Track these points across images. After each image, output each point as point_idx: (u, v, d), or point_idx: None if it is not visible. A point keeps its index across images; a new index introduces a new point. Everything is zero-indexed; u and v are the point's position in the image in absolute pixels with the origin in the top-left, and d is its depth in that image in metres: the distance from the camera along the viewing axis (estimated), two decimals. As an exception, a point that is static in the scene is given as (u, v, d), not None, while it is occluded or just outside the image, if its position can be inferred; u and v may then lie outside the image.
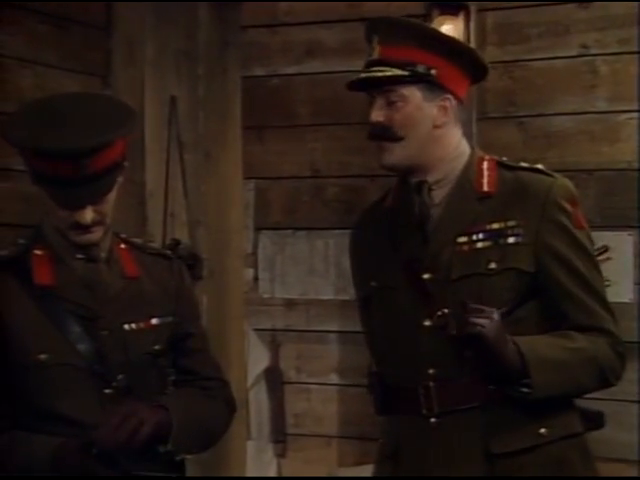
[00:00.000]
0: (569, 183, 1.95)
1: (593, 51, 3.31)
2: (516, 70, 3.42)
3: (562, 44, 3.35)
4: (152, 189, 3.07)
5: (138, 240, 2.02)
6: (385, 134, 1.91)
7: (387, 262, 1.95)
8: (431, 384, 1.87)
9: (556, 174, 1.95)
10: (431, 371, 1.88)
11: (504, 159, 1.98)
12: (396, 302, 1.92)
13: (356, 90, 1.98)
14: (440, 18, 3.37)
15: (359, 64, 3.76)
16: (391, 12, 3.55)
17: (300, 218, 3.67)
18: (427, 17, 3.39)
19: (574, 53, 3.33)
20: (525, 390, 1.82)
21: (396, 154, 1.92)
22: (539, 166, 1.96)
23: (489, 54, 3.45)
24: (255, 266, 3.71)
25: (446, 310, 1.84)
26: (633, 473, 3.18)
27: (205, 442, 1.96)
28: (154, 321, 1.93)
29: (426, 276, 1.88)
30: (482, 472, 1.86)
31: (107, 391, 1.85)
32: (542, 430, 1.87)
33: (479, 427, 1.86)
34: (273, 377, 3.68)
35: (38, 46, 2.96)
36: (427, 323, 1.87)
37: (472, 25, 3.38)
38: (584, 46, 3.32)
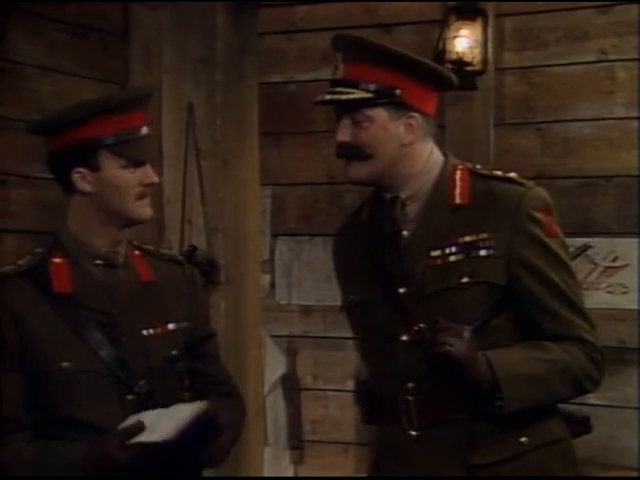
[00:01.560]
0: (542, 191, 1.93)
1: (611, 57, 3.30)
2: (534, 76, 3.41)
3: (580, 50, 3.34)
4: (170, 195, 3.08)
5: (150, 246, 2.04)
6: (352, 153, 1.91)
7: (364, 276, 1.95)
8: (410, 398, 1.88)
9: (529, 182, 1.93)
10: (410, 385, 1.88)
11: (478, 167, 1.97)
12: (374, 316, 1.92)
13: (324, 105, 1.98)
14: (457, 23, 3.36)
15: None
16: (407, 18, 3.56)
17: (317, 224, 3.68)
18: (444, 22, 3.38)
19: (592, 59, 3.32)
20: (498, 404, 1.83)
21: (363, 171, 1.92)
22: (512, 175, 1.95)
23: (507, 60, 3.45)
24: (272, 272, 3.72)
25: (422, 325, 1.85)
26: (635, 479, 3.17)
27: (232, 446, 1.95)
28: (171, 326, 1.94)
29: (401, 290, 1.89)
30: None
31: (129, 397, 1.85)
32: (522, 439, 1.87)
33: (459, 440, 1.86)
34: (290, 384, 3.68)
35: (57, 54, 2.98)
36: (404, 338, 1.88)
37: (490, 30, 3.38)
38: (602, 52, 3.31)
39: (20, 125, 2.73)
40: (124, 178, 1.86)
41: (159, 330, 1.92)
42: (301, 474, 3.70)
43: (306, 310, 3.67)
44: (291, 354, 3.68)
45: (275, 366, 3.63)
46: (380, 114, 1.90)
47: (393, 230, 1.92)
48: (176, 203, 3.07)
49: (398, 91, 1.89)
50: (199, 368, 1.99)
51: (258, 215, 3.33)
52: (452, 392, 1.85)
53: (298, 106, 3.66)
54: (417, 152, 1.93)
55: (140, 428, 1.75)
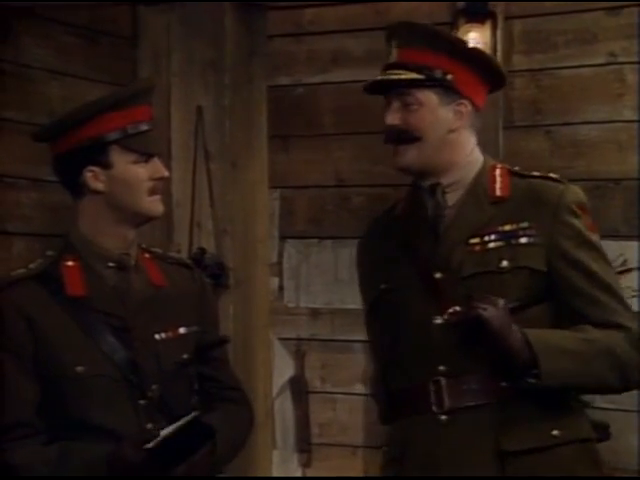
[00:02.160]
0: (580, 190, 1.97)
1: (621, 59, 3.28)
2: (543, 78, 3.40)
3: (590, 52, 3.33)
4: (178, 199, 3.08)
5: (158, 250, 2.04)
6: (401, 136, 1.93)
7: (398, 264, 1.96)
8: (442, 380, 1.87)
9: (567, 181, 1.97)
10: (442, 367, 1.88)
11: (516, 168, 2.00)
12: (406, 301, 1.93)
13: (373, 94, 2.00)
14: (467, 26, 3.36)
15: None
16: (417, 20, 3.55)
17: (325, 227, 3.67)
18: (453, 25, 3.38)
19: (602, 61, 3.31)
20: (533, 381, 1.82)
21: (411, 155, 1.93)
22: (552, 174, 1.98)
23: (516, 62, 3.44)
24: (280, 275, 3.71)
25: (457, 307, 1.85)
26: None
27: (232, 456, 1.97)
28: (182, 330, 1.94)
29: (437, 275, 1.90)
30: (493, 471, 1.85)
31: (142, 402, 1.85)
32: (555, 432, 1.86)
33: (490, 425, 1.85)
34: (298, 386, 3.67)
35: (66, 57, 2.99)
36: (438, 320, 1.88)
37: (499, 33, 3.37)
38: (612, 54, 3.30)
39: (29, 128, 2.73)
40: (135, 173, 1.87)
41: (171, 334, 1.92)
42: (309, 477, 3.69)
43: (314, 313, 3.67)
44: (299, 357, 3.68)
45: (283, 369, 3.63)
46: (430, 97, 1.92)
47: (433, 215, 1.94)
48: (185, 206, 3.07)
49: (450, 76, 1.92)
50: (208, 373, 1.99)
51: (266, 218, 3.33)
52: (485, 375, 1.85)
53: (307, 109, 3.66)
54: (463, 140, 1.95)
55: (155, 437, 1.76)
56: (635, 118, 3.26)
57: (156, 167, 1.89)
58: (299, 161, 3.68)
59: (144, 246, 1.99)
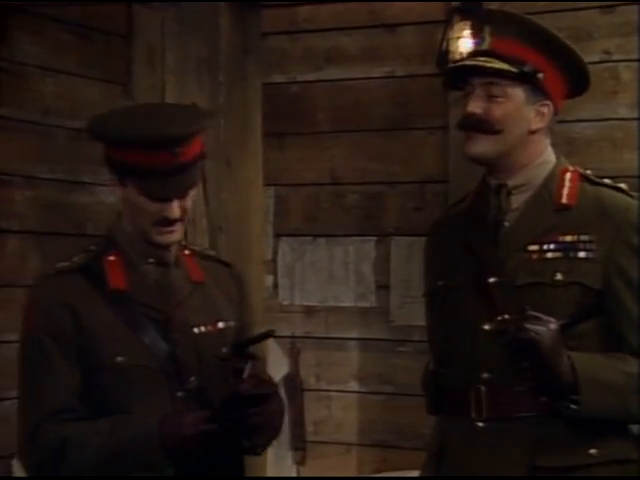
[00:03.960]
0: None
1: (615, 57, 3.28)
2: (537, 76, 3.40)
3: (584, 50, 3.25)
4: (173, 196, 3.08)
5: (197, 247, 2.06)
6: (481, 126, 1.88)
7: (456, 262, 1.94)
8: (483, 388, 1.86)
9: (637, 196, 1.92)
10: (485, 375, 1.86)
11: (588, 172, 1.96)
12: (459, 302, 1.91)
13: (449, 81, 1.94)
14: (461, 24, 3.35)
15: (379, 71, 3.76)
16: (411, 18, 3.55)
17: (320, 225, 3.67)
18: (448, 23, 3.37)
19: (596, 59, 3.31)
20: (573, 407, 1.80)
21: (486, 146, 1.88)
22: (622, 185, 1.93)
23: (510, 60, 3.43)
24: (275, 273, 3.71)
25: (507, 316, 1.82)
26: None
27: (268, 439, 1.96)
28: (220, 325, 1.96)
29: (492, 280, 1.87)
30: None
31: (179, 394, 1.87)
32: (592, 451, 1.84)
33: (526, 438, 1.84)
34: (292, 384, 3.67)
35: (60, 54, 2.98)
36: (486, 327, 1.85)
37: (493, 31, 3.37)
38: (606, 52, 3.30)
39: (23, 126, 2.73)
40: (141, 204, 1.86)
41: (210, 328, 1.94)
42: (304, 475, 3.69)
43: (309, 311, 3.67)
44: (294, 355, 3.68)
45: (278, 367, 3.62)
46: (518, 93, 1.88)
47: (495, 218, 1.90)
48: (179, 204, 3.06)
49: (541, 75, 1.87)
50: (244, 368, 1.98)
51: (261, 216, 3.32)
52: (526, 388, 1.82)
53: (301, 106, 3.66)
54: (538, 142, 1.91)
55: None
56: (629, 116, 3.27)
57: (166, 207, 1.85)
58: (294, 159, 3.68)
59: (184, 243, 2.01)
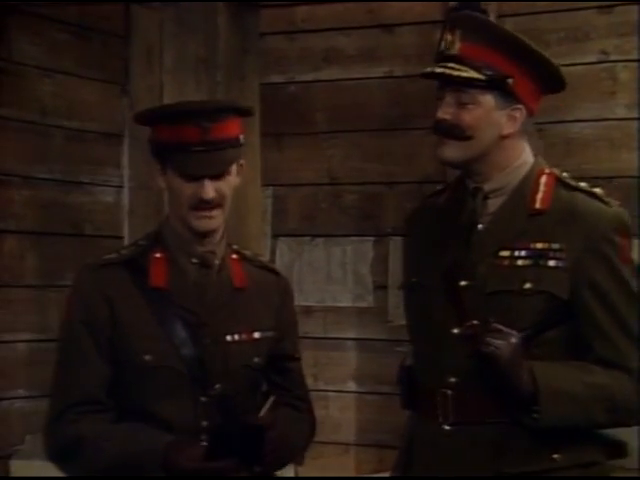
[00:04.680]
0: (624, 213, 1.90)
1: (613, 57, 3.29)
2: (535, 76, 3.40)
3: (582, 50, 3.33)
4: (171, 196, 3.08)
5: (248, 252, 2.03)
6: (452, 132, 1.88)
7: (430, 260, 1.94)
8: (449, 392, 1.87)
9: (613, 202, 1.90)
10: (452, 379, 1.87)
11: (564, 175, 1.94)
12: (431, 302, 1.91)
13: (429, 79, 1.95)
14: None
15: (377, 71, 3.77)
16: (409, 18, 3.55)
17: (318, 225, 3.67)
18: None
19: (594, 59, 3.32)
20: (534, 416, 1.81)
21: (457, 151, 1.89)
22: (597, 190, 1.91)
23: (508, 61, 3.43)
24: (273, 273, 3.71)
25: (475, 322, 1.82)
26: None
27: (287, 460, 1.96)
28: (256, 335, 1.94)
29: (462, 283, 1.87)
30: None
31: (203, 399, 1.87)
32: (555, 455, 1.84)
33: (491, 443, 1.85)
34: (291, 384, 3.67)
35: (58, 54, 2.99)
36: (455, 331, 1.86)
37: (491, 31, 3.37)
38: (604, 52, 3.30)
39: (21, 126, 2.73)
40: (179, 186, 1.86)
41: (244, 336, 1.92)
42: (301, 475, 3.69)
43: (307, 311, 3.67)
44: (292, 355, 3.68)
45: (276, 367, 3.63)
46: (487, 99, 1.88)
47: (469, 222, 1.91)
48: (177, 204, 3.06)
49: (510, 80, 1.87)
50: (279, 381, 2.00)
51: (259, 216, 3.32)
52: (491, 394, 1.83)
53: (299, 106, 3.66)
54: (512, 146, 1.91)
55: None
56: (627, 116, 3.27)
57: (200, 188, 1.84)
58: (292, 159, 3.68)
59: (235, 247, 2.00)
